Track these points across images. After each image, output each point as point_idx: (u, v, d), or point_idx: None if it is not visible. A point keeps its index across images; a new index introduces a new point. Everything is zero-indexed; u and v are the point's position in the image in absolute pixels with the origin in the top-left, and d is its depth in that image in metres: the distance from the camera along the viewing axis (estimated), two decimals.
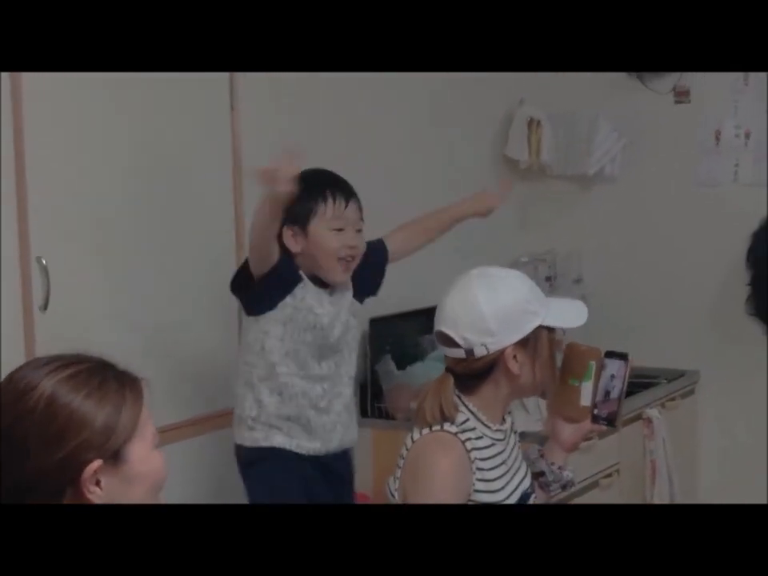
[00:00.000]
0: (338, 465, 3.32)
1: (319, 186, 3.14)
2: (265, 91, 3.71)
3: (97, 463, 1.73)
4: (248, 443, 3.19)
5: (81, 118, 3.19)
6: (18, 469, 1.74)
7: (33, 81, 3.03)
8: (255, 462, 3.21)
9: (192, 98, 3.58)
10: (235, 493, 3.33)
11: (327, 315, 3.20)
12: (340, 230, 3.12)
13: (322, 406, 3.24)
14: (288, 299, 3.15)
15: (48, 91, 3.09)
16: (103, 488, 1.75)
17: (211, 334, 3.57)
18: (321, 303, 3.19)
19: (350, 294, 3.28)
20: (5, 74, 3.02)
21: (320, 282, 3.16)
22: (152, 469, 1.83)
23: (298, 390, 3.19)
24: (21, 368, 1.81)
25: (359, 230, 3.18)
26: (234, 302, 3.28)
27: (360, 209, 3.20)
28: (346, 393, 3.32)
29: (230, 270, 3.25)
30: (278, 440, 3.17)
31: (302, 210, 3.11)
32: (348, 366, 3.31)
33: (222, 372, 3.52)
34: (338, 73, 3.84)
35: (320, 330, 3.19)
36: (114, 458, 1.76)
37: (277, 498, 3.14)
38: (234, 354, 3.36)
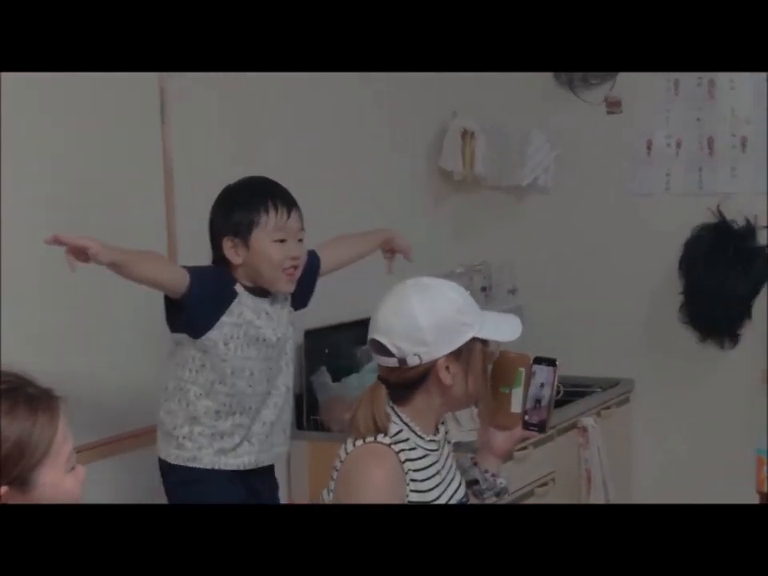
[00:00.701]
0: (259, 480, 3.31)
1: (260, 196, 3.10)
2: (195, 104, 3.67)
3: (3, 489, 1.73)
4: (174, 460, 3.16)
5: (9, 131, 3.12)
6: None
7: None
8: (181, 481, 3.19)
9: (122, 112, 3.53)
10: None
11: (267, 327, 3.18)
12: (282, 240, 3.08)
13: (261, 416, 3.22)
14: (225, 317, 3.12)
15: None
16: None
17: (137, 351, 3.56)
18: (259, 315, 3.16)
19: (288, 303, 3.26)
20: None
21: (259, 291, 3.14)
22: (63, 492, 1.82)
23: (238, 408, 3.17)
24: None
25: (301, 240, 3.16)
26: (158, 320, 3.22)
27: (301, 218, 3.16)
28: (280, 403, 3.30)
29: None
30: (206, 461, 3.14)
31: (243, 220, 3.08)
32: (285, 376, 3.28)
33: (144, 391, 3.50)
34: (269, 85, 3.85)
35: (262, 342, 3.16)
36: (22, 483, 1.76)
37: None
38: (157, 373, 3.32)
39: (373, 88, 4.53)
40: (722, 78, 4.61)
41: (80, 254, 2.82)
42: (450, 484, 2.66)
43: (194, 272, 3.06)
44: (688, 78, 4.66)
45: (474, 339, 2.57)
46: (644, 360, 4.82)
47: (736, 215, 4.56)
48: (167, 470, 3.18)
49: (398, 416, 2.58)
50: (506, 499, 3.13)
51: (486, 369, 2.68)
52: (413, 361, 2.53)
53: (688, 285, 4.66)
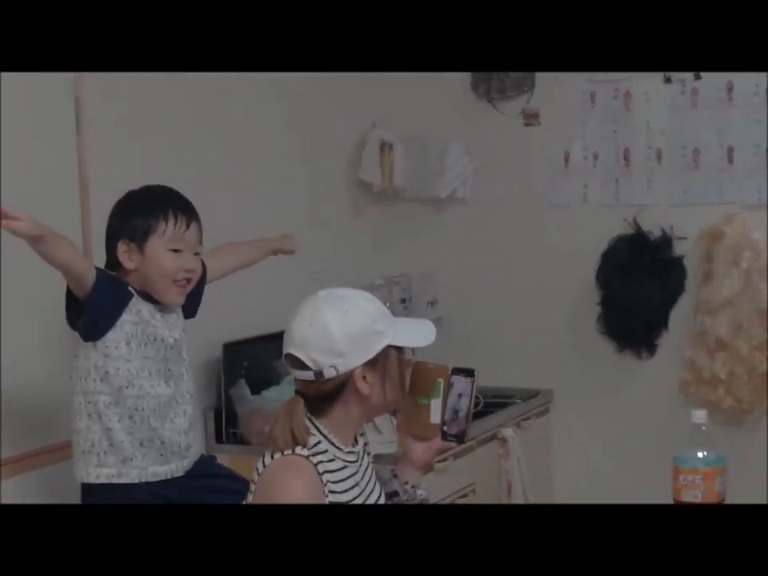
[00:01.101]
0: (199, 482, 3.28)
1: (161, 204, 3.10)
2: (110, 116, 3.63)
3: None
4: (96, 479, 3.12)
5: None
6: None
7: None
8: (108, 499, 3.14)
9: (37, 124, 3.50)
10: None
11: (163, 327, 3.18)
12: (178, 251, 3.09)
13: (176, 425, 3.20)
14: (125, 316, 3.10)
15: None
16: None
17: (44, 365, 3.53)
18: (154, 316, 3.16)
19: (180, 309, 3.26)
20: None
21: (149, 298, 3.14)
22: None
23: (149, 411, 3.14)
24: None
25: (197, 254, 3.17)
26: (66, 332, 3.20)
27: (200, 232, 3.17)
28: (190, 410, 3.29)
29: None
30: (133, 474, 3.12)
31: (141, 225, 3.07)
32: (187, 382, 3.28)
33: (48, 407, 3.46)
34: (185, 92, 3.86)
35: (160, 342, 3.16)
36: None
37: None
38: (61, 387, 3.27)
39: (290, 98, 4.54)
40: (638, 90, 4.64)
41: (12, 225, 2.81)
42: (369, 495, 2.68)
43: (99, 270, 3.04)
44: (604, 90, 4.72)
45: (388, 347, 2.59)
46: (563, 371, 4.84)
47: (652, 226, 4.60)
48: (90, 492, 3.15)
49: (317, 428, 2.58)
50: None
51: (404, 375, 2.69)
52: (329, 373, 2.55)
53: (605, 295, 4.70)
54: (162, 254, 3.06)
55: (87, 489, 3.13)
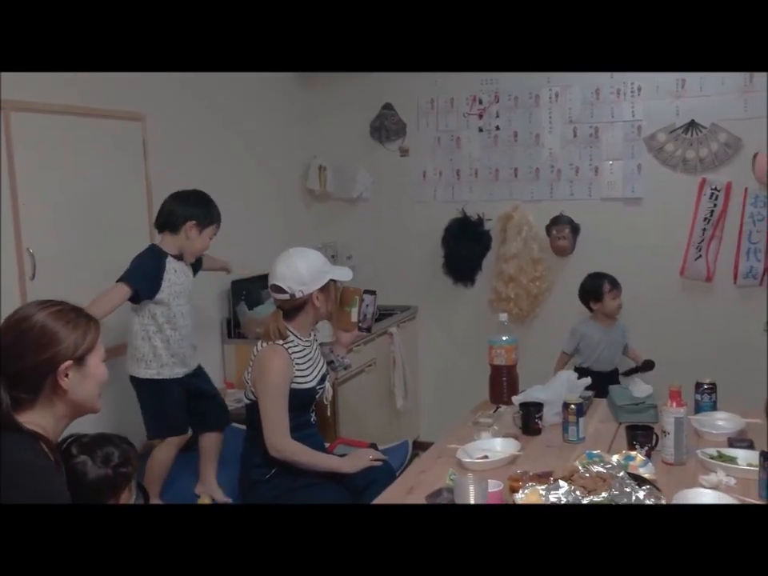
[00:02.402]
0: (198, 379, 3.14)
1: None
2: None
3: (68, 363, 1.71)
4: (144, 376, 2.97)
5: None
6: (16, 365, 1.66)
7: None
8: (149, 387, 2.97)
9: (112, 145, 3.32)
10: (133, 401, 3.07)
11: (181, 285, 2.97)
12: (210, 239, 3.00)
13: (188, 346, 3.04)
14: (163, 284, 2.89)
15: None
16: (70, 378, 1.71)
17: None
18: (178, 273, 2.94)
19: (191, 272, 3.08)
20: None
21: (179, 257, 2.97)
22: (100, 372, 1.79)
23: (174, 339, 2.97)
24: (22, 306, 1.75)
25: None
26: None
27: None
28: (191, 336, 3.10)
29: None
30: (165, 372, 2.99)
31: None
32: (191, 318, 3.07)
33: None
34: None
35: (178, 296, 2.96)
36: (79, 361, 1.72)
37: (164, 405, 2.98)
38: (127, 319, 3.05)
39: (260, 132, 4.44)
40: (464, 136, 4.54)
41: None
42: (317, 364, 2.78)
43: (128, 282, 2.83)
44: (445, 137, 4.62)
45: (330, 280, 2.69)
46: (424, 295, 4.81)
47: (472, 213, 4.59)
48: (138, 383, 2.99)
49: (287, 328, 2.68)
50: (348, 370, 3.32)
51: (337, 295, 2.79)
52: (299, 294, 2.63)
53: (447, 251, 4.69)
54: (206, 240, 2.96)
55: (135, 380, 2.98)
